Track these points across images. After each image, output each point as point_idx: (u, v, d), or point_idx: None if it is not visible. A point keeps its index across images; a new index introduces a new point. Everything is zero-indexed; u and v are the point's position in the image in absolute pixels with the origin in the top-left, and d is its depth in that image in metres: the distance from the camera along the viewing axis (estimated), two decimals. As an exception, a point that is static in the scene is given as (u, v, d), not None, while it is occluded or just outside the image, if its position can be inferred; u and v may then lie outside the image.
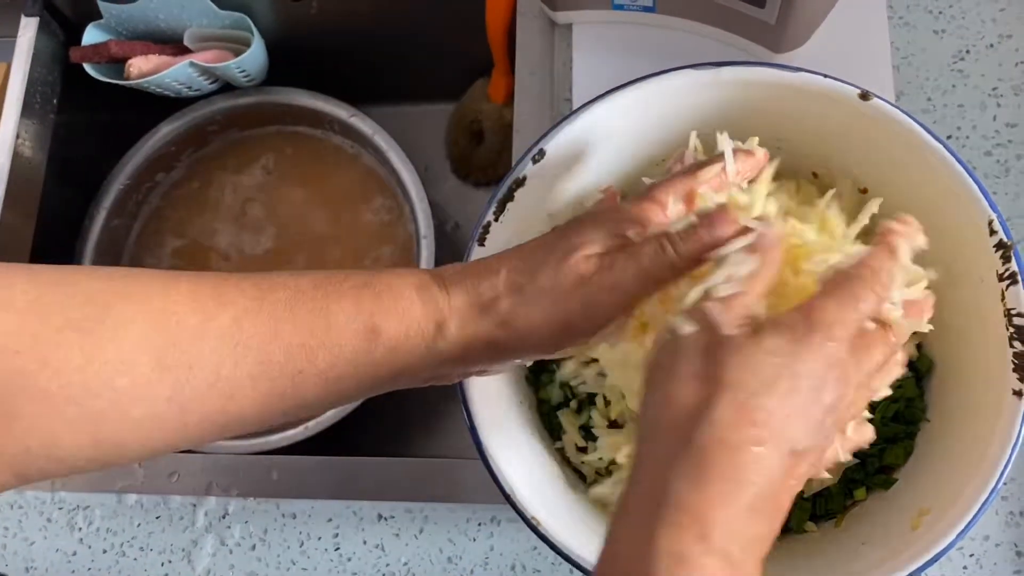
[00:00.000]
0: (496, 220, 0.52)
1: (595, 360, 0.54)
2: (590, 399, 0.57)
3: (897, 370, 0.37)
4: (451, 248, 0.93)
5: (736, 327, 0.33)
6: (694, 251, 0.37)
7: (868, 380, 0.35)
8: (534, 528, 0.48)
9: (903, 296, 0.37)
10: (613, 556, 0.32)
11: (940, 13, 0.67)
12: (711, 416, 0.31)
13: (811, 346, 0.32)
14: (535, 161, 0.52)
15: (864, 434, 0.37)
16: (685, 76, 0.52)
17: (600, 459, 0.55)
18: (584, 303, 0.37)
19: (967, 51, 0.66)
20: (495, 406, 0.52)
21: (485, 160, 0.93)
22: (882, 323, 0.35)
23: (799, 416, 0.32)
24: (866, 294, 0.34)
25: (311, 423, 0.72)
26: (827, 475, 0.38)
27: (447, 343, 0.38)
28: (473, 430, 0.49)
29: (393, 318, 0.37)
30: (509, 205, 0.53)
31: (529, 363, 0.57)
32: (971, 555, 0.58)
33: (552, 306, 0.38)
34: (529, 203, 0.54)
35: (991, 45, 0.66)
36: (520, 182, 0.52)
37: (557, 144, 0.53)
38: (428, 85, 0.96)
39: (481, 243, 0.52)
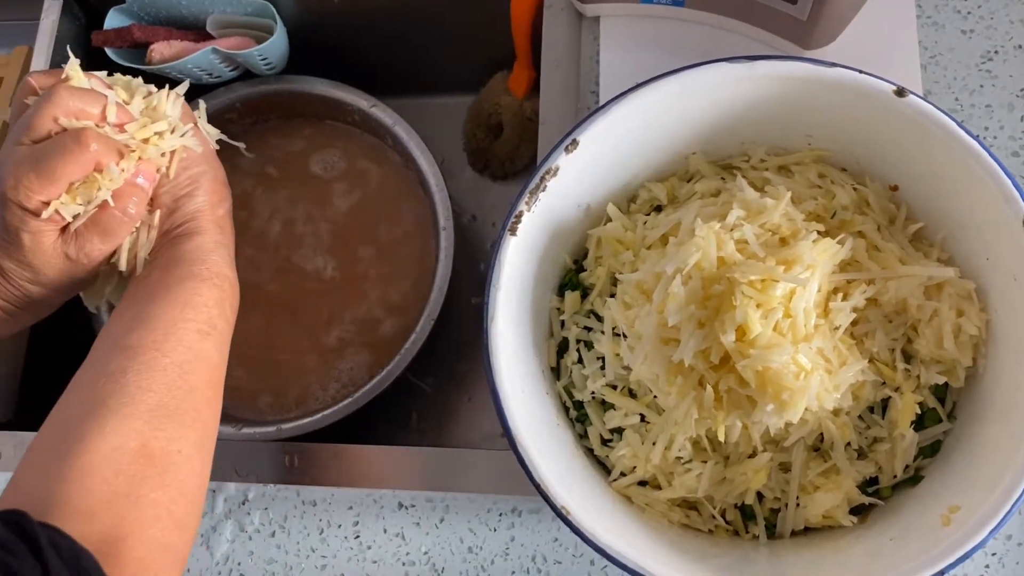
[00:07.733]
0: (528, 210, 0.52)
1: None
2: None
3: None
4: (468, 239, 0.93)
5: None
6: None
7: None
8: (564, 518, 0.48)
9: None
10: None
11: (968, 13, 0.67)
12: None
13: None
14: (568, 151, 0.52)
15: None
16: (719, 69, 0.52)
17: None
18: None
19: (995, 52, 0.66)
20: (523, 398, 0.52)
21: (503, 153, 0.92)
22: None
23: None
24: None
25: (327, 411, 0.72)
26: None
27: None
28: (504, 420, 0.49)
29: None
30: (541, 195, 0.53)
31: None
32: (993, 554, 0.58)
33: None
34: (561, 193, 0.54)
35: (1019, 46, 0.66)
36: (553, 172, 0.52)
37: (590, 135, 0.52)
38: (447, 77, 0.96)
39: (513, 232, 0.52)
